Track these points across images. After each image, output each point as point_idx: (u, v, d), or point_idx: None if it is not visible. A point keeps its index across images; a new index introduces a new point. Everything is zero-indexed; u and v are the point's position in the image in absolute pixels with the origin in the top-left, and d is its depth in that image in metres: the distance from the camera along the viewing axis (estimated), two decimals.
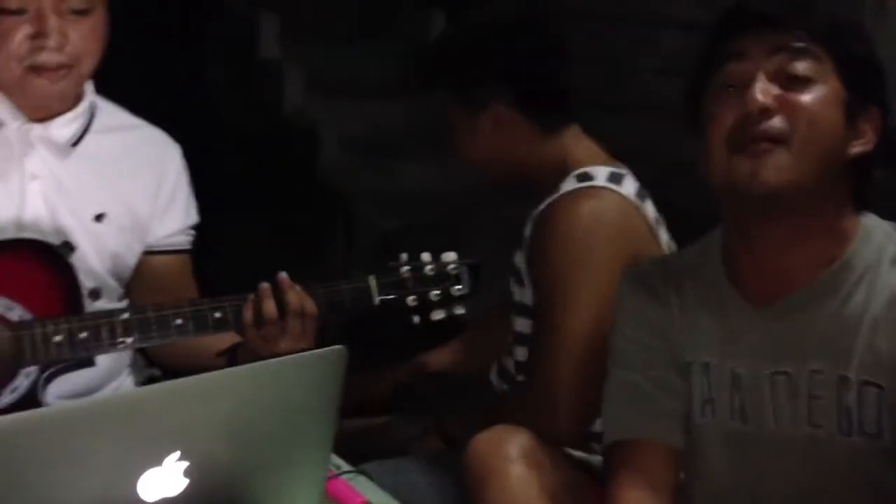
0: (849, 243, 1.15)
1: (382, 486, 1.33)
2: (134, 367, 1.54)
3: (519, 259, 1.53)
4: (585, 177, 1.48)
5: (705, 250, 1.24)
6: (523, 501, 1.30)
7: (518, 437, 1.34)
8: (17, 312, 1.33)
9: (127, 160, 1.48)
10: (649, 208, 1.51)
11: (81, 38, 1.35)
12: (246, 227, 3.29)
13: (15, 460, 0.85)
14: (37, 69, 1.34)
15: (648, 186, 1.53)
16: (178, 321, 1.33)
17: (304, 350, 1.28)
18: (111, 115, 1.50)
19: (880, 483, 1.14)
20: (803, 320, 1.15)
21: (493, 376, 1.63)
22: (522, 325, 1.52)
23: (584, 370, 1.38)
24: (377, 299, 1.40)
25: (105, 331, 1.32)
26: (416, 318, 1.44)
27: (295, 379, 0.99)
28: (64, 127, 1.43)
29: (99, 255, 1.44)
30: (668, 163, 2.26)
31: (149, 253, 1.51)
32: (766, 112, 1.11)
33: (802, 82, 1.12)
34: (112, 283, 1.47)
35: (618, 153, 1.57)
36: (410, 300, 1.41)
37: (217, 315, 1.34)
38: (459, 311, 1.45)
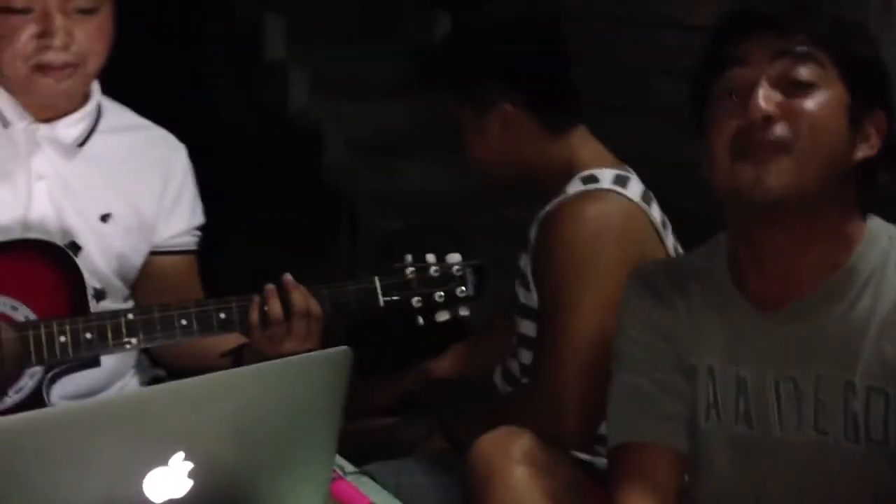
0: (854, 247, 1.15)
1: (386, 487, 1.33)
2: (139, 367, 1.54)
3: (524, 262, 1.53)
4: (591, 179, 1.47)
5: (711, 253, 1.24)
6: (527, 503, 1.30)
7: (522, 438, 1.34)
8: (22, 312, 1.33)
9: (133, 161, 1.48)
10: (655, 211, 1.51)
11: (87, 38, 1.35)
12: (250, 228, 3.29)
13: (20, 460, 0.85)
14: (43, 68, 1.35)
15: (650, 187, 1.53)
16: (183, 322, 1.33)
17: (309, 351, 1.29)
18: (118, 115, 1.50)
19: (885, 489, 1.14)
20: (809, 326, 1.15)
21: (498, 379, 1.63)
22: (527, 328, 1.52)
23: (589, 373, 1.38)
24: (382, 300, 1.40)
25: (110, 331, 1.32)
26: (421, 319, 1.44)
27: (300, 380, 0.99)
28: (70, 127, 1.43)
29: (105, 255, 1.44)
30: (669, 163, 2.26)
31: (155, 253, 1.51)
32: (769, 119, 1.10)
33: (805, 88, 1.11)
34: (118, 284, 1.47)
35: (618, 153, 1.57)
36: (415, 301, 1.41)
37: (222, 316, 1.34)
38: (464, 312, 1.45)
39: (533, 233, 1.51)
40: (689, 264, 1.27)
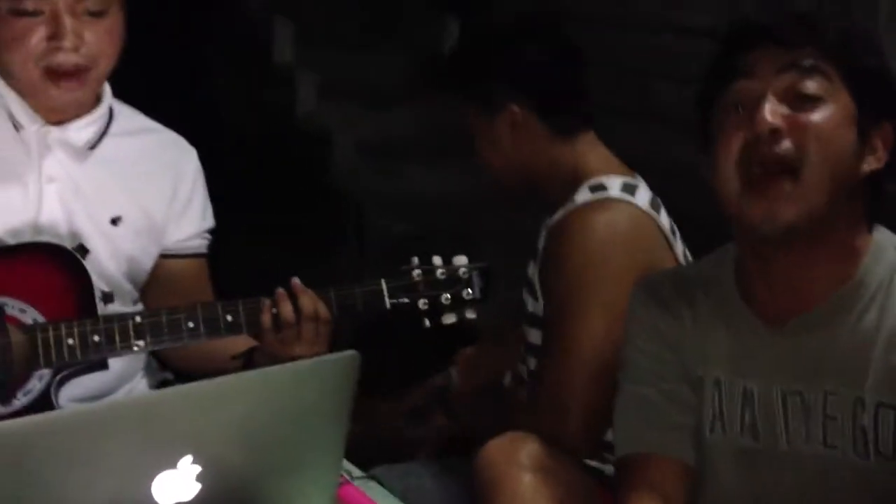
0: (861, 260, 1.14)
1: (393, 491, 1.33)
2: (147, 370, 1.54)
3: (532, 270, 1.53)
4: (599, 188, 1.47)
5: (719, 263, 1.24)
6: None
7: (529, 444, 1.34)
8: (30, 315, 1.34)
9: (144, 164, 1.49)
10: (664, 218, 1.50)
11: (97, 40, 1.35)
12: (258, 231, 3.30)
13: (30, 463, 0.85)
14: (53, 74, 1.35)
15: (655, 192, 1.53)
16: (190, 324, 1.34)
17: (317, 354, 1.29)
18: (129, 118, 1.51)
19: (892, 503, 1.13)
20: (816, 340, 1.14)
21: (508, 382, 1.63)
22: (535, 336, 1.52)
23: (594, 381, 1.38)
24: (388, 302, 1.40)
25: (118, 334, 1.32)
26: (427, 322, 1.44)
27: (307, 383, 0.99)
28: (82, 130, 1.44)
29: (114, 258, 1.45)
30: (674, 168, 2.26)
31: (165, 257, 1.51)
32: (776, 133, 1.10)
33: (812, 101, 1.10)
34: (127, 287, 1.48)
35: (623, 158, 1.56)
36: (421, 304, 1.41)
37: (229, 318, 1.35)
38: (470, 315, 1.45)
39: (541, 242, 1.51)
40: (697, 273, 1.27)
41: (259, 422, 0.96)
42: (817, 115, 1.10)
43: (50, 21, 1.33)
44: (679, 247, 1.52)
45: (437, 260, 1.43)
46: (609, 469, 1.42)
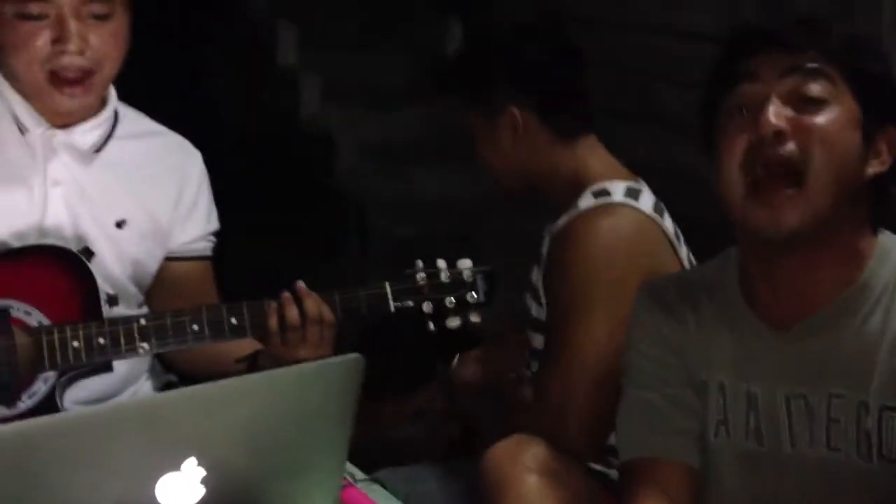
0: (866, 263, 1.14)
1: (396, 494, 1.34)
2: (152, 372, 1.54)
3: (536, 276, 1.53)
4: (602, 193, 1.47)
5: (722, 267, 1.23)
6: None
7: (534, 447, 1.34)
8: (35, 318, 1.34)
9: (149, 167, 1.49)
10: (668, 222, 1.50)
11: (102, 43, 1.36)
12: (262, 233, 3.30)
13: (35, 464, 0.86)
14: (57, 79, 1.35)
15: (658, 195, 1.53)
16: (195, 327, 1.34)
17: (322, 357, 1.29)
18: (134, 121, 1.51)
19: None
20: (821, 343, 1.14)
21: (510, 384, 1.63)
22: (540, 341, 1.52)
23: (596, 386, 1.38)
24: (392, 305, 1.40)
25: (123, 337, 1.33)
26: (432, 325, 1.44)
27: (311, 386, 1.00)
28: (87, 133, 1.44)
29: (119, 261, 1.45)
30: (679, 172, 2.26)
31: (170, 259, 1.52)
32: (780, 135, 1.09)
33: (816, 104, 1.10)
34: (132, 290, 1.48)
35: (625, 161, 1.57)
36: (426, 307, 1.41)
37: (233, 321, 1.35)
38: (475, 318, 1.45)
39: (545, 247, 1.51)
40: (700, 278, 1.26)
41: (263, 424, 0.96)
42: (821, 118, 1.10)
43: (55, 25, 1.33)
44: (683, 251, 1.52)
45: (441, 263, 1.43)
46: (614, 473, 1.41)
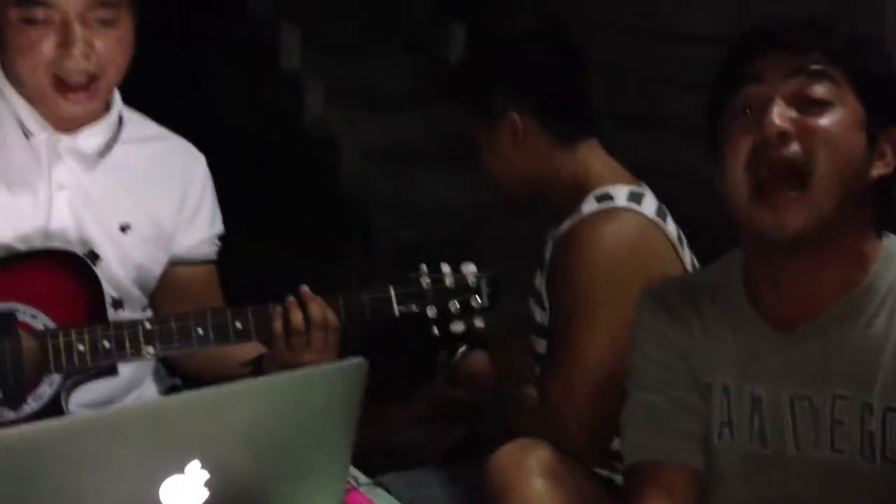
0: (871, 266, 1.15)
1: (400, 498, 1.34)
2: (156, 376, 1.55)
3: (539, 281, 1.53)
4: (605, 197, 1.47)
5: (726, 269, 1.24)
6: None
7: (539, 450, 1.34)
8: (41, 321, 1.34)
9: (153, 171, 1.49)
10: (671, 226, 1.50)
11: (107, 49, 1.36)
12: (265, 237, 3.31)
13: (39, 467, 0.86)
14: (62, 85, 1.36)
15: (661, 199, 1.53)
16: (200, 331, 1.34)
17: (326, 361, 1.29)
18: (138, 125, 1.52)
19: None
20: (825, 345, 1.14)
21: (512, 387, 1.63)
22: (543, 346, 1.52)
23: (599, 391, 1.38)
24: (397, 310, 1.40)
25: (128, 340, 1.33)
26: (436, 330, 1.44)
27: (315, 390, 1.00)
28: (91, 138, 1.44)
29: (123, 265, 1.45)
30: (682, 175, 2.26)
31: (174, 263, 1.52)
32: (784, 136, 1.10)
33: (820, 106, 1.11)
34: (136, 293, 1.48)
35: (629, 165, 1.57)
36: (430, 311, 1.42)
37: (238, 325, 1.35)
38: (479, 323, 1.45)
39: (548, 252, 1.51)
40: (704, 280, 1.27)
41: (267, 428, 0.96)
42: (826, 120, 1.10)
43: (60, 30, 1.33)
44: (686, 255, 1.52)
45: (445, 268, 1.44)
46: (618, 478, 1.42)
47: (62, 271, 1.37)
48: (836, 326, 1.14)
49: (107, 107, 1.46)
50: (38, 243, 1.40)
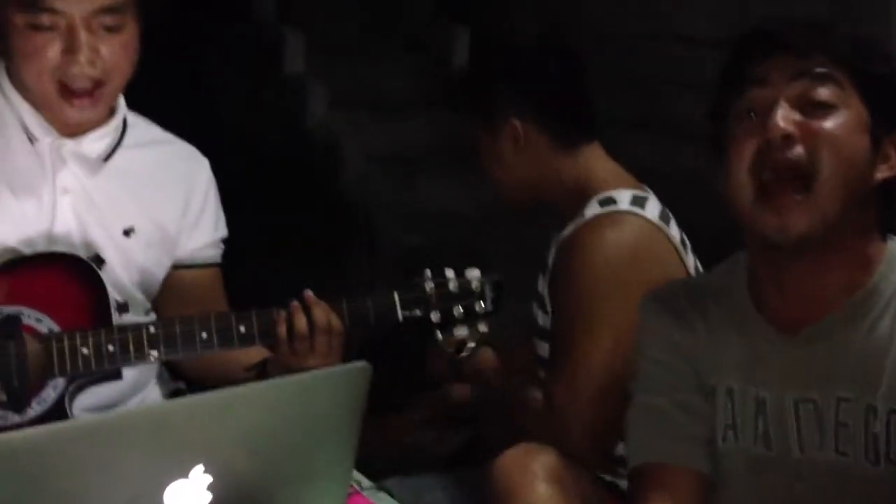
0: (875, 268, 1.15)
1: (403, 502, 1.34)
2: (160, 379, 1.55)
3: (542, 284, 1.53)
4: (609, 201, 1.48)
5: (730, 272, 1.24)
6: None
7: (543, 455, 1.34)
8: (46, 324, 1.35)
9: (157, 175, 1.50)
10: (674, 230, 1.51)
11: (112, 55, 1.37)
12: (268, 241, 3.31)
13: (43, 471, 0.86)
14: (67, 91, 1.36)
15: (668, 203, 1.53)
16: (204, 335, 1.34)
17: (330, 366, 1.30)
18: (142, 130, 1.52)
19: None
20: (830, 347, 1.14)
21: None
22: (546, 350, 1.52)
23: (603, 396, 1.38)
24: (400, 314, 1.40)
25: (132, 344, 1.33)
26: (439, 335, 1.44)
27: (318, 394, 1.00)
28: (96, 142, 1.45)
29: (127, 269, 1.46)
30: (686, 179, 2.26)
31: (178, 267, 1.52)
32: (788, 139, 1.10)
33: (825, 109, 1.11)
34: (140, 297, 1.49)
35: (633, 169, 1.57)
36: (434, 316, 1.42)
37: (242, 329, 1.36)
38: (482, 328, 1.45)
39: (551, 256, 1.52)
40: (708, 283, 1.27)
41: (270, 432, 0.96)
42: (830, 122, 1.10)
43: (66, 36, 1.34)
44: (690, 259, 1.52)
45: (449, 272, 1.44)
46: (622, 483, 1.42)
47: (67, 275, 1.37)
48: (840, 329, 1.14)
49: (111, 111, 1.46)
50: (43, 247, 1.40)
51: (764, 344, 1.18)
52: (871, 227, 1.16)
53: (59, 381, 1.35)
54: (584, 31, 3.09)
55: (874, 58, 1.15)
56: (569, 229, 1.48)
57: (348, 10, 4.48)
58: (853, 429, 1.13)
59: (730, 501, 1.22)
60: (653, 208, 1.49)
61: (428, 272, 1.44)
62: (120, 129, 1.48)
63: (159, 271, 1.51)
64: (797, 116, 1.11)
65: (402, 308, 1.40)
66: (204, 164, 1.55)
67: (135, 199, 1.47)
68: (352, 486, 1.20)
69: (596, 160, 1.55)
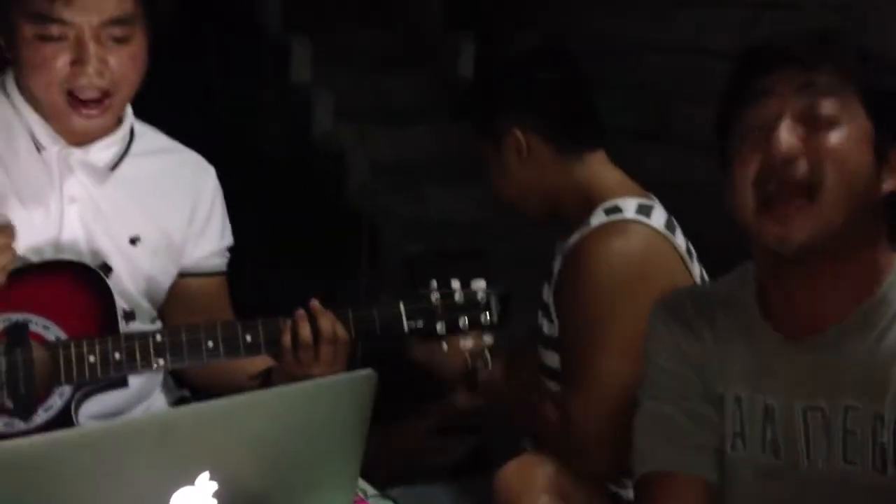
0: (884, 278, 1.14)
1: None
2: (165, 387, 1.55)
3: (546, 293, 1.53)
4: (614, 210, 1.48)
5: (739, 281, 1.24)
6: None
7: (546, 467, 1.34)
8: (53, 332, 1.35)
9: (163, 183, 1.50)
10: (679, 239, 1.50)
11: (121, 65, 1.37)
12: (273, 250, 3.32)
13: (49, 479, 0.86)
14: (75, 100, 1.36)
15: (675, 212, 1.53)
16: (210, 344, 1.35)
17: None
18: (149, 138, 1.53)
19: None
20: (837, 356, 1.14)
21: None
22: (552, 358, 1.52)
23: (616, 404, 1.37)
24: (406, 325, 1.40)
25: (138, 352, 1.33)
26: (445, 346, 1.44)
27: (324, 402, 1.00)
28: (103, 151, 1.45)
29: (133, 277, 1.46)
30: (694, 188, 2.26)
31: (184, 275, 1.53)
32: (793, 155, 1.10)
33: (829, 123, 1.11)
34: (145, 305, 1.49)
35: (640, 178, 1.57)
36: (439, 327, 1.42)
37: (248, 338, 1.36)
38: (488, 339, 1.45)
39: (557, 265, 1.51)
40: (717, 292, 1.27)
41: (276, 440, 0.97)
42: (834, 138, 1.10)
43: (74, 46, 1.34)
44: (696, 268, 1.52)
45: (455, 283, 1.44)
46: (626, 494, 1.41)
47: (75, 283, 1.37)
48: (848, 338, 1.14)
49: (119, 120, 1.47)
50: (50, 255, 1.40)
51: (771, 352, 1.18)
52: (880, 237, 1.16)
53: (66, 389, 1.35)
54: (593, 41, 3.10)
55: (880, 70, 1.15)
56: (574, 238, 1.48)
57: (355, 19, 4.49)
58: (861, 437, 1.13)
59: None
60: (658, 217, 1.49)
61: (434, 283, 1.44)
62: (127, 139, 1.48)
63: (165, 280, 1.51)
64: (801, 131, 1.11)
65: (408, 318, 1.40)
66: (210, 172, 1.56)
67: (141, 208, 1.48)
68: (357, 494, 1.20)
69: (601, 168, 1.55)
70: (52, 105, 1.39)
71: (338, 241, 3.62)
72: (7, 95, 1.43)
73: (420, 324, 1.40)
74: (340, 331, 1.37)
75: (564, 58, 1.58)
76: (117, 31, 1.36)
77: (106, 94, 1.38)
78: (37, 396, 1.33)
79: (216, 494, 0.93)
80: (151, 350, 1.34)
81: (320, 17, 4.33)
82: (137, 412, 1.47)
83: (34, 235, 1.40)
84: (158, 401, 1.53)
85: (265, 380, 1.43)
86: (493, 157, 1.56)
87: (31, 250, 1.40)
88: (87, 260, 1.42)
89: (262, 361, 1.43)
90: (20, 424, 1.33)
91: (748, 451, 1.19)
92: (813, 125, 1.11)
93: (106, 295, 1.38)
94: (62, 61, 1.35)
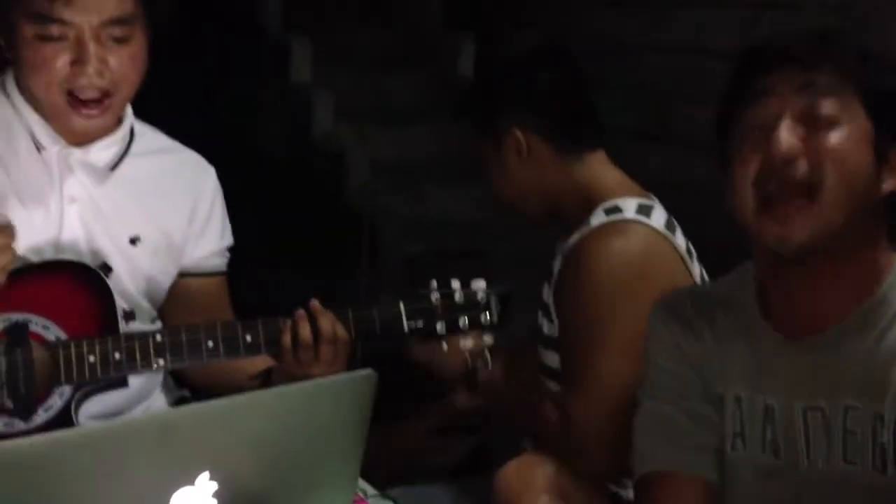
0: (885, 279, 1.15)
1: None
2: (165, 387, 1.56)
3: (546, 293, 1.53)
4: (614, 210, 1.48)
5: (739, 282, 1.24)
6: None
7: (546, 467, 1.34)
8: (53, 332, 1.35)
9: (163, 183, 1.50)
10: (679, 239, 1.50)
11: (120, 65, 1.37)
12: (273, 250, 3.32)
13: (49, 479, 0.86)
14: (75, 100, 1.37)
15: (675, 212, 1.53)
16: (210, 344, 1.35)
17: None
18: (149, 138, 1.53)
19: None
20: (837, 356, 1.14)
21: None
22: (551, 358, 1.52)
23: (617, 404, 1.38)
24: (406, 325, 1.40)
25: (138, 352, 1.33)
26: (445, 346, 1.44)
27: (324, 402, 1.00)
28: (103, 151, 1.46)
29: (133, 277, 1.46)
30: (694, 188, 2.26)
31: (184, 275, 1.53)
32: (793, 156, 1.10)
33: (829, 123, 1.11)
34: (145, 305, 1.49)
35: (640, 178, 1.57)
36: (439, 327, 1.42)
37: (248, 339, 1.36)
38: (488, 339, 1.45)
39: (557, 265, 1.51)
40: (716, 292, 1.27)
41: (276, 439, 0.97)
42: (833, 138, 1.11)
43: (74, 46, 1.34)
44: (696, 268, 1.52)
45: (455, 283, 1.44)
46: (626, 494, 1.41)
47: (75, 283, 1.38)
48: (848, 338, 1.14)
49: (119, 120, 1.47)
50: (50, 255, 1.40)
51: (772, 352, 1.18)
52: (881, 237, 1.16)
53: (66, 389, 1.35)
54: (593, 41, 3.10)
55: (880, 70, 1.15)
56: (574, 238, 1.48)
57: (355, 19, 4.49)
58: (861, 437, 1.13)
59: None
60: (658, 217, 1.49)
61: (434, 283, 1.44)
62: (127, 139, 1.48)
63: (165, 279, 1.51)
64: (801, 131, 1.11)
65: (408, 318, 1.40)
66: (210, 172, 1.56)
67: (141, 208, 1.48)
68: (357, 494, 1.20)
69: (602, 169, 1.55)
70: (52, 105, 1.39)
71: (338, 241, 3.62)
72: (7, 95, 1.43)
73: (420, 324, 1.40)
74: (340, 331, 1.37)
75: (564, 58, 1.57)
76: (117, 31, 1.36)
77: (106, 94, 1.38)
78: (37, 396, 1.33)
79: (216, 494, 0.93)
80: (151, 350, 1.34)
81: (320, 17, 4.33)
82: (137, 412, 1.47)
83: (34, 235, 1.40)
84: (158, 401, 1.53)
85: (265, 380, 1.43)
86: (493, 157, 1.56)
87: (31, 250, 1.40)
88: (87, 260, 1.42)
89: (262, 361, 1.44)
90: (20, 424, 1.33)
91: (748, 451, 1.19)
92: (813, 125, 1.11)
93: (106, 295, 1.38)
94: (62, 61, 1.35)
